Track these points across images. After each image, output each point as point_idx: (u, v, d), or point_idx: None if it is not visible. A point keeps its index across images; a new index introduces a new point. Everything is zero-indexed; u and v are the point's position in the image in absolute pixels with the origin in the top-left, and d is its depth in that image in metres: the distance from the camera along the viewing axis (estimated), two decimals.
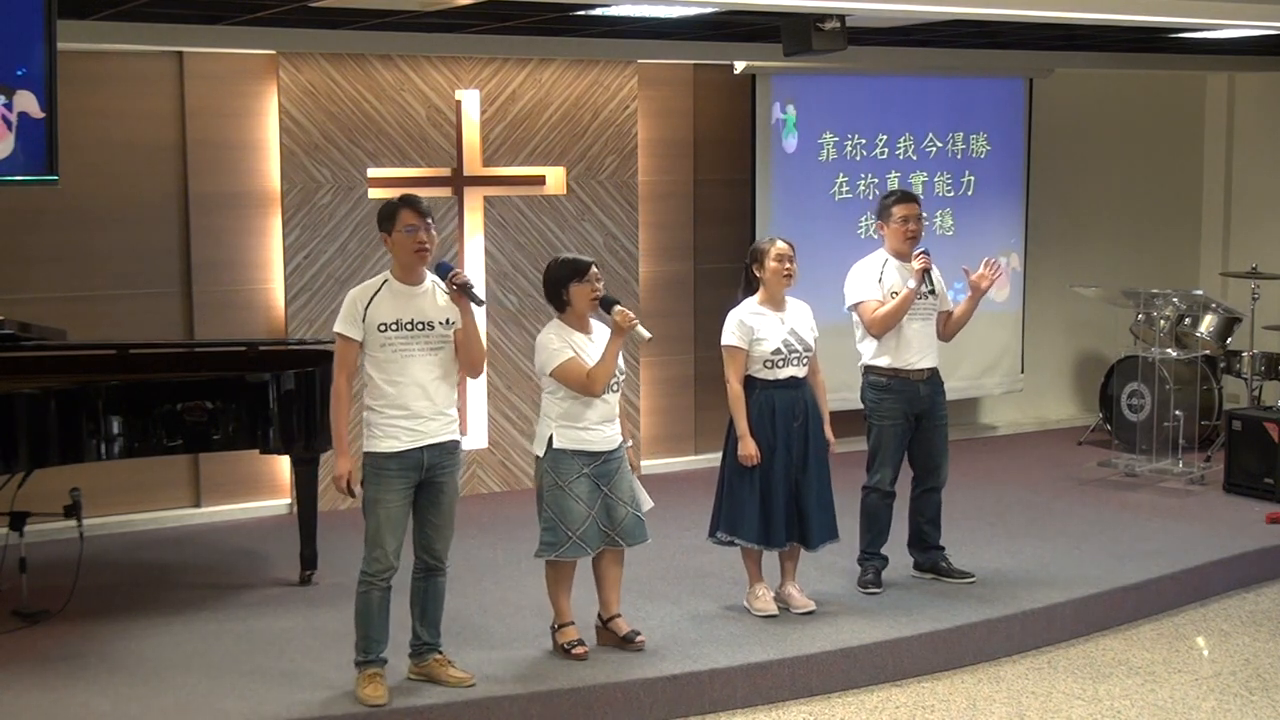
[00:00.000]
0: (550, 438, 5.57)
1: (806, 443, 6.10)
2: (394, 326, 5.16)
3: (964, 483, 8.64)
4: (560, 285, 5.60)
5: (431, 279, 5.29)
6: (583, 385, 5.50)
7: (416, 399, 5.17)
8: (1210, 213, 11.34)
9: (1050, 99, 10.40)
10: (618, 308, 5.54)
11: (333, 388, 5.24)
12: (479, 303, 5.28)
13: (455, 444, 5.31)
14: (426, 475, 5.22)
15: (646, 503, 5.78)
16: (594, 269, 5.60)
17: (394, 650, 5.37)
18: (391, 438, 5.15)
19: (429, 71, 8.35)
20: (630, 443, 5.79)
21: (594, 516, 5.58)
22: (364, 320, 5.16)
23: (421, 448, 5.18)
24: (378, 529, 5.18)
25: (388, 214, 5.24)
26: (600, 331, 5.65)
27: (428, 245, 5.21)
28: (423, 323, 5.20)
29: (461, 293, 5.19)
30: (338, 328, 5.23)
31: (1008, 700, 5.72)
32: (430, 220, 5.22)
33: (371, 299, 5.19)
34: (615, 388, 5.63)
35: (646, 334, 5.59)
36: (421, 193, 8.21)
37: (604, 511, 5.62)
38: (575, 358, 5.52)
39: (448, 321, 5.25)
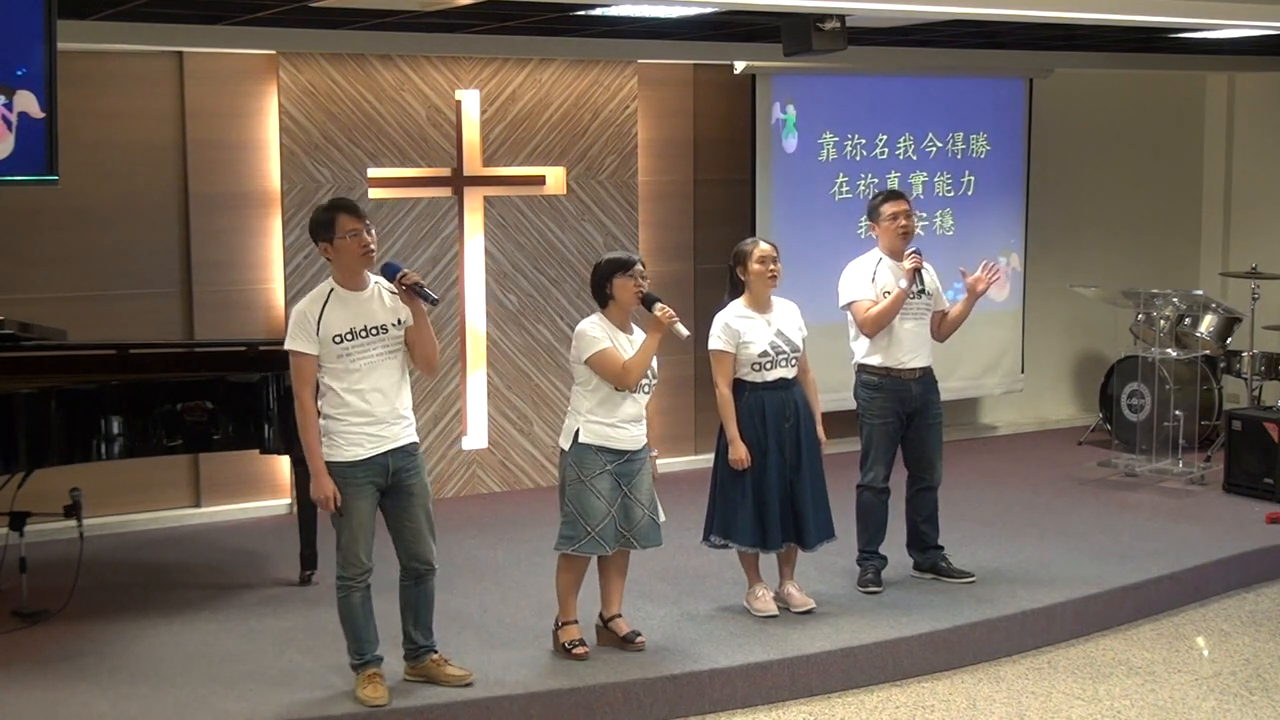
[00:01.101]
0: (577, 432, 5.57)
1: (799, 443, 6.09)
2: (349, 336, 5.09)
3: (964, 483, 8.65)
4: (605, 279, 5.61)
5: (374, 280, 5.22)
6: (617, 376, 5.50)
7: (379, 404, 5.13)
8: (1210, 213, 11.34)
9: (1050, 99, 10.40)
10: (658, 304, 5.56)
11: (298, 407, 5.13)
12: (433, 302, 5.20)
13: (415, 445, 5.27)
14: (393, 480, 5.19)
15: (662, 513, 5.79)
16: (639, 265, 5.63)
17: (389, 650, 5.37)
18: (355, 445, 5.11)
19: (429, 71, 8.35)
20: (655, 451, 5.79)
21: (613, 515, 5.58)
22: (318, 334, 5.09)
23: (386, 453, 5.15)
24: (350, 536, 5.15)
25: (325, 222, 5.13)
26: (641, 337, 5.64)
27: (372, 247, 5.14)
28: (376, 327, 5.14)
29: (413, 293, 5.13)
30: (292, 345, 5.12)
31: (1008, 700, 5.72)
32: (369, 222, 5.16)
33: (322, 311, 5.10)
34: (647, 389, 5.64)
35: (685, 331, 5.59)
36: (421, 193, 8.40)
37: (623, 511, 5.62)
38: (613, 348, 5.53)
39: (399, 322, 5.19)
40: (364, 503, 5.14)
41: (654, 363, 5.66)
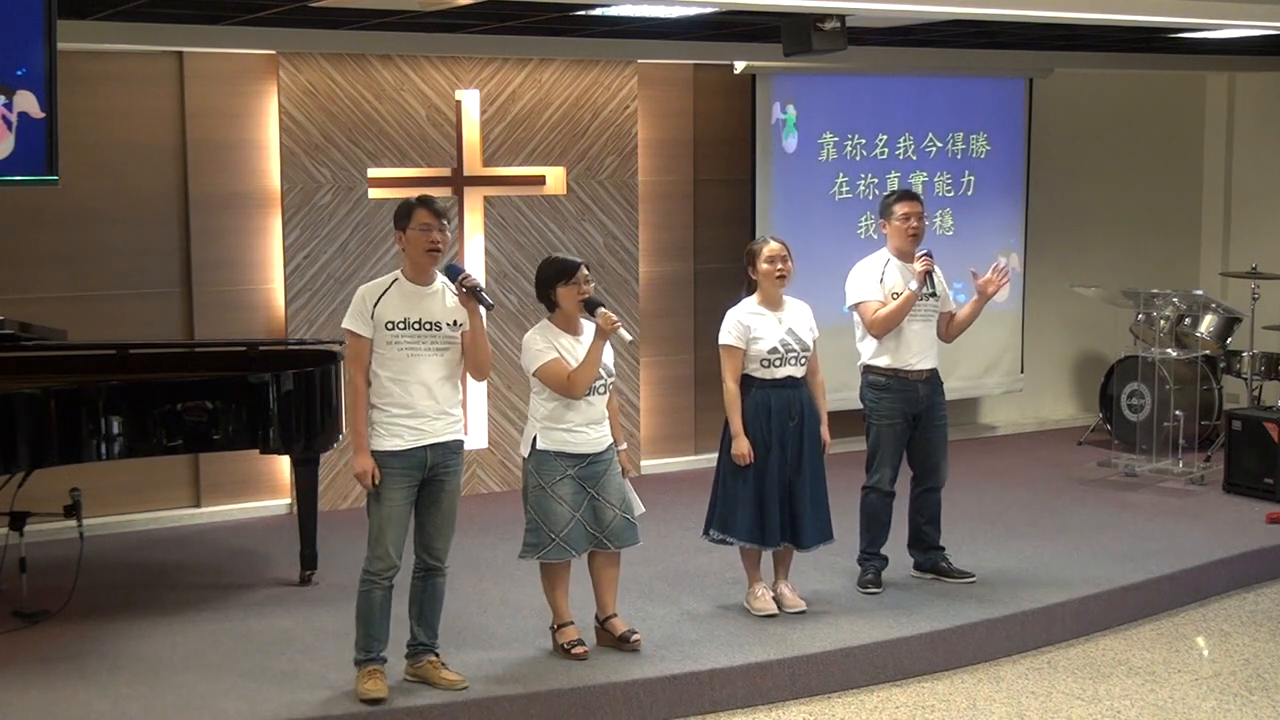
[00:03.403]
0: (534, 439, 5.57)
1: (802, 443, 6.09)
2: (401, 325, 5.18)
3: (964, 483, 8.64)
4: (548, 286, 5.59)
5: (442, 281, 5.31)
6: (563, 387, 5.48)
7: (421, 398, 5.19)
8: (1210, 213, 11.34)
9: (1050, 99, 10.40)
10: (601, 310, 5.51)
11: (348, 385, 5.29)
12: (488, 306, 5.30)
13: (459, 443, 5.32)
14: (430, 474, 5.24)
15: (638, 507, 5.76)
16: (583, 270, 5.57)
17: (393, 650, 5.37)
18: (395, 436, 5.17)
19: (429, 71, 8.35)
20: (624, 446, 5.77)
21: (579, 519, 5.56)
22: (372, 317, 5.19)
23: (424, 446, 5.20)
24: (381, 528, 5.20)
25: (404, 212, 5.28)
26: (591, 334, 5.58)
27: (440, 245, 5.24)
28: (430, 323, 5.22)
29: (471, 296, 5.22)
30: (347, 324, 5.25)
31: (1008, 700, 5.72)
32: (445, 222, 5.26)
33: (381, 296, 5.22)
34: (602, 390, 5.60)
35: (629, 336, 5.57)
36: (421, 193, 8.36)
37: (590, 514, 5.60)
38: (558, 359, 5.50)
39: (455, 323, 5.27)
40: (398, 494, 5.18)
41: (609, 360, 5.62)
